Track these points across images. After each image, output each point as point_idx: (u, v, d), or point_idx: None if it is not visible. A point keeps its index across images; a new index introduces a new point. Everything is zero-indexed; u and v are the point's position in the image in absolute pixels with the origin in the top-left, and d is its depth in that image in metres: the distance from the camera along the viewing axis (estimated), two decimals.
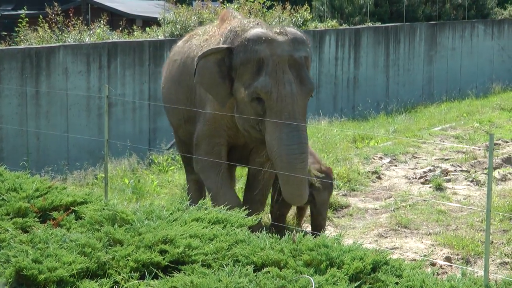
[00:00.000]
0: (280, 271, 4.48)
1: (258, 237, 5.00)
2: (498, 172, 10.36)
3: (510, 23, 22.65)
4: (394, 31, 18.71)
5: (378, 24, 19.10)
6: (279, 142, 6.14)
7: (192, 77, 6.86)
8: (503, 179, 10.18)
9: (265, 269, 4.55)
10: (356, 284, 4.33)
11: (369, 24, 19.01)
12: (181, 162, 9.00)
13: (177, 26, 13.72)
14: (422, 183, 10.10)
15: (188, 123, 7.33)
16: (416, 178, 10.32)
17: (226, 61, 6.46)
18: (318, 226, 7.17)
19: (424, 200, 9.07)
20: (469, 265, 7.00)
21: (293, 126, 6.16)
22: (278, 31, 6.51)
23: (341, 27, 18.06)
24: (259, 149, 6.85)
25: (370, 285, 4.36)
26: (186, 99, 7.24)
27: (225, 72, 6.47)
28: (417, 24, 19.64)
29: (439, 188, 9.73)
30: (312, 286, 4.24)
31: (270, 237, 5.03)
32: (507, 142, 12.93)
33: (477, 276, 4.55)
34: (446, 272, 6.53)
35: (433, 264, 6.83)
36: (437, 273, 6.30)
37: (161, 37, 13.55)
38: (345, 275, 4.41)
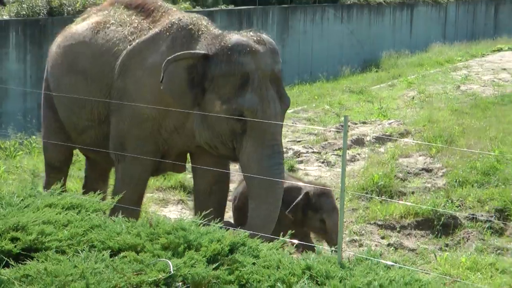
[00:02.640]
0: (138, 255, 4.48)
1: (114, 222, 4.97)
2: (348, 153, 10.77)
3: (359, 7, 23.47)
4: (247, 14, 18.94)
5: (231, 7, 19.26)
6: (259, 164, 5.74)
7: (111, 74, 6.27)
8: (352, 159, 10.62)
9: (122, 254, 4.53)
10: (214, 265, 4.39)
11: (222, 6, 19.13)
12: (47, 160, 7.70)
13: (24, 5, 13.23)
14: None
15: (105, 124, 6.50)
16: None
17: (199, 69, 5.80)
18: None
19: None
20: (320, 244, 7.28)
21: (275, 149, 5.81)
22: (256, 39, 5.94)
23: (194, 9, 18.08)
24: (206, 163, 6.31)
25: (228, 266, 4.43)
26: (102, 97, 6.42)
27: (195, 81, 5.83)
28: (269, 7, 19.97)
29: (291, 169, 10.01)
30: (170, 269, 4.28)
31: (126, 221, 5.02)
32: (355, 124, 13.46)
33: (331, 254, 4.74)
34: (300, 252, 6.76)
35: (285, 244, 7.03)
36: (290, 252, 6.52)
37: (6, 17, 13.02)
38: (203, 257, 4.46)
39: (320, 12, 21.40)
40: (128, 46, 6.21)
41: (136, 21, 6.45)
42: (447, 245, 7.61)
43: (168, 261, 4.37)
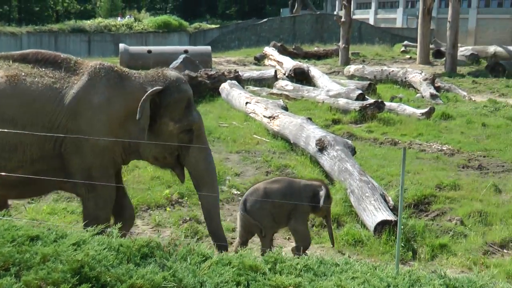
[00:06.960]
0: None
1: None
2: None
3: None
4: None
5: None
6: (205, 161, 6.37)
7: (50, 118, 5.97)
8: None
9: None
10: None
11: None
12: None
13: None
14: None
15: (38, 163, 6.08)
16: None
17: (156, 100, 6.11)
18: (331, 235, 6.76)
19: None
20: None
21: (209, 149, 6.53)
22: (179, 72, 6.59)
23: None
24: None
25: None
26: (40, 140, 6.01)
27: (151, 110, 6.10)
28: None
29: None
30: None
31: None
32: None
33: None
34: None
35: None
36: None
37: None
38: None
39: None
40: (59, 94, 6.07)
41: (49, 72, 6.23)
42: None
43: None
